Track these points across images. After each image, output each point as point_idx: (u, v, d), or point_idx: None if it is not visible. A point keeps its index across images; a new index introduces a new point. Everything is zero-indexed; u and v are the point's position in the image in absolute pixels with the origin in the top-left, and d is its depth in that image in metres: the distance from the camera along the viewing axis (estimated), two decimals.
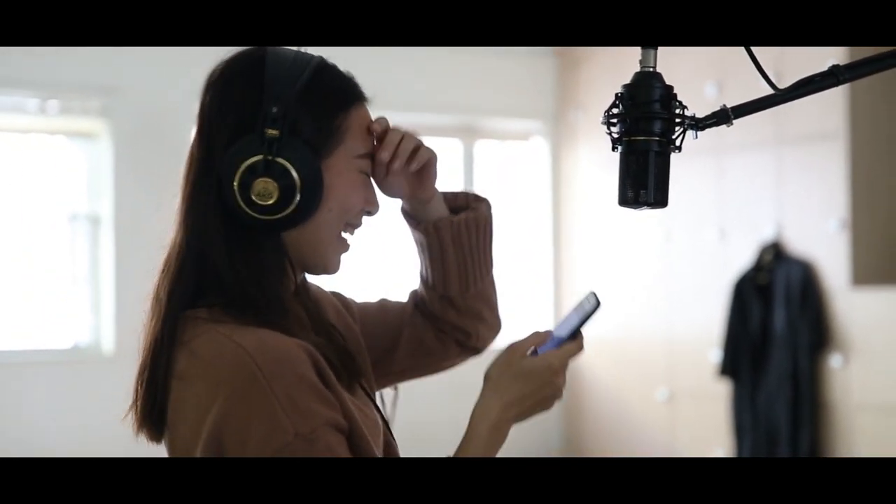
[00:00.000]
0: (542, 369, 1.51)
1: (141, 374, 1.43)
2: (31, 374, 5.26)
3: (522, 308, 6.76)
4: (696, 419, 5.68)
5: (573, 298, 6.47)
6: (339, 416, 1.36)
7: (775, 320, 5.13)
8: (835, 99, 4.87)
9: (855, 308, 4.91)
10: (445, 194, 1.68)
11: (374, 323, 1.68)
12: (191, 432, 1.35)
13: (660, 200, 1.46)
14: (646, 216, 5.74)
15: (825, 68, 1.48)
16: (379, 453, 1.44)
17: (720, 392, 5.42)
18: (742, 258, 5.33)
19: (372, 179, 1.54)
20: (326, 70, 1.50)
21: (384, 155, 1.53)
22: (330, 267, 1.50)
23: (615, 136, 1.47)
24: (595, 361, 6.35)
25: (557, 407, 6.29)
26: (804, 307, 5.01)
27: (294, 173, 1.41)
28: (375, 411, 1.51)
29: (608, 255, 6.26)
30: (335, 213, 1.46)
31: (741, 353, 5.28)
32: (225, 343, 1.35)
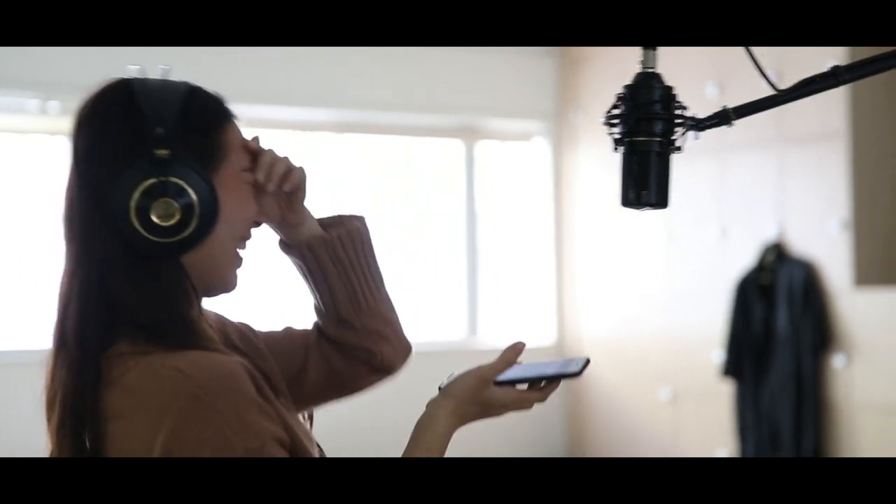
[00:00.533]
0: (499, 406, 1.54)
1: (61, 426, 1.38)
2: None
3: (524, 309, 6.76)
4: (699, 419, 5.68)
5: (576, 299, 6.47)
6: (281, 430, 1.37)
7: (778, 320, 5.13)
8: (836, 99, 4.86)
9: (857, 308, 4.90)
10: (320, 219, 1.68)
11: (280, 349, 1.65)
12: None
13: (661, 201, 1.46)
14: (648, 216, 5.74)
15: (826, 69, 1.48)
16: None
17: (723, 392, 5.41)
18: (744, 258, 5.33)
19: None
20: (198, 91, 1.49)
21: (259, 176, 1.52)
22: (229, 284, 1.50)
23: (616, 136, 1.47)
24: (598, 361, 6.34)
25: (561, 406, 6.30)
26: (807, 307, 5.01)
27: (190, 191, 1.39)
28: (300, 420, 1.52)
29: (610, 255, 6.26)
30: (229, 228, 1.46)
31: (744, 354, 5.27)
32: (160, 370, 1.33)
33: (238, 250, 1.50)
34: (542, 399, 1.56)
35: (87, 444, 1.37)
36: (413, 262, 6.41)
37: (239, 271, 1.51)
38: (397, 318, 1.71)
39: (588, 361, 1.54)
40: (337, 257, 1.63)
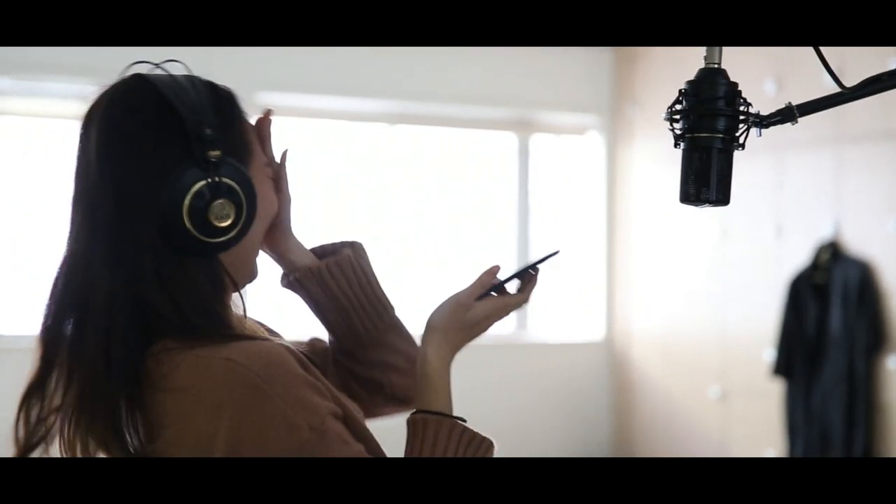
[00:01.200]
0: (483, 321, 1.52)
1: (106, 429, 1.35)
2: None
3: (574, 304, 6.74)
4: (748, 418, 5.64)
5: (627, 294, 6.45)
6: (333, 404, 1.36)
7: (831, 320, 5.08)
8: (894, 97, 4.80)
9: None
10: (316, 248, 1.63)
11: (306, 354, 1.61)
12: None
13: (722, 198, 1.45)
14: (702, 213, 5.71)
15: (888, 67, 1.46)
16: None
17: (774, 391, 5.37)
18: (799, 257, 5.28)
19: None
20: (216, 86, 1.45)
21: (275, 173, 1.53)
22: (255, 274, 1.50)
23: (678, 132, 1.46)
24: (647, 357, 6.33)
25: (608, 403, 6.29)
26: (861, 307, 4.96)
27: (239, 189, 1.39)
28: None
29: (663, 251, 6.23)
30: (262, 221, 1.46)
31: (796, 353, 5.23)
32: (211, 363, 1.32)
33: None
34: (525, 300, 1.55)
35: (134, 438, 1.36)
36: (465, 254, 6.41)
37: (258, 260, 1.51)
38: (409, 344, 1.65)
39: (557, 252, 1.55)
40: (328, 289, 1.59)
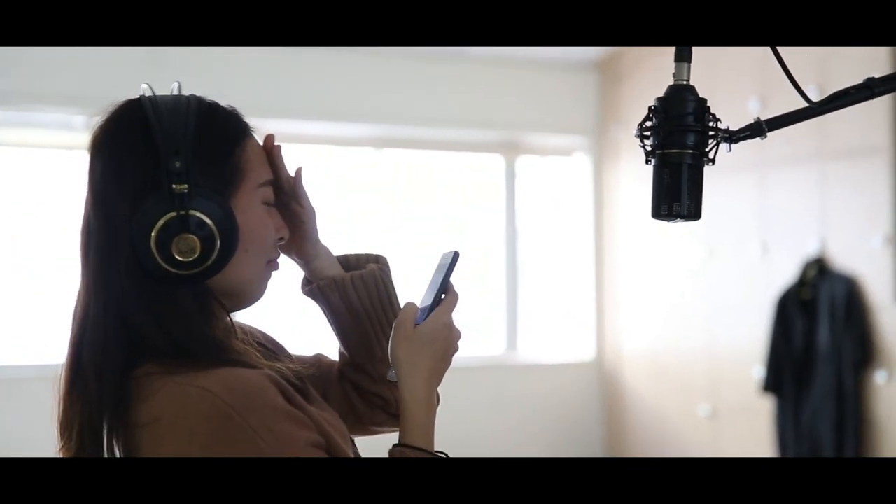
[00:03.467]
0: (439, 328, 1.52)
1: (82, 433, 1.38)
2: None
3: (564, 324, 6.75)
4: (738, 435, 5.64)
5: (616, 314, 6.46)
6: (315, 434, 1.37)
7: (819, 336, 5.09)
8: (879, 113, 4.83)
9: None
10: (340, 257, 1.65)
11: (307, 370, 1.60)
12: None
13: (693, 212, 1.46)
14: (688, 231, 5.72)
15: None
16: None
17: (763, 408, 5.38)
18: (785, 273, 5.30)
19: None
20: (212, 110, 1.46)
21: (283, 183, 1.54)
22: (257, 297, 1.50)
23: (648, 148, 1.47)
24: (637, 376, 6.33)
25: (599, 421, 6.28)
26: (848, 323, 4.97)
27: (210, 223, 1.39)
28: (338, 418, 1.51)
29: (650, 270, 6.24)
30: (252, 252, 1.45)
31: (784, 369, 5.24)
32: (188, 391, 1.32)
33: (267, 264, 1.49)
34: (456, 297, 1.57)
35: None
36: (454, 276, 6.41)
37: (269, 283, 1.51)
38: None
39: (449, 251, 1.57)
40: (349, 301, 1.60)
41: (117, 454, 1.39)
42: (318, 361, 1.67)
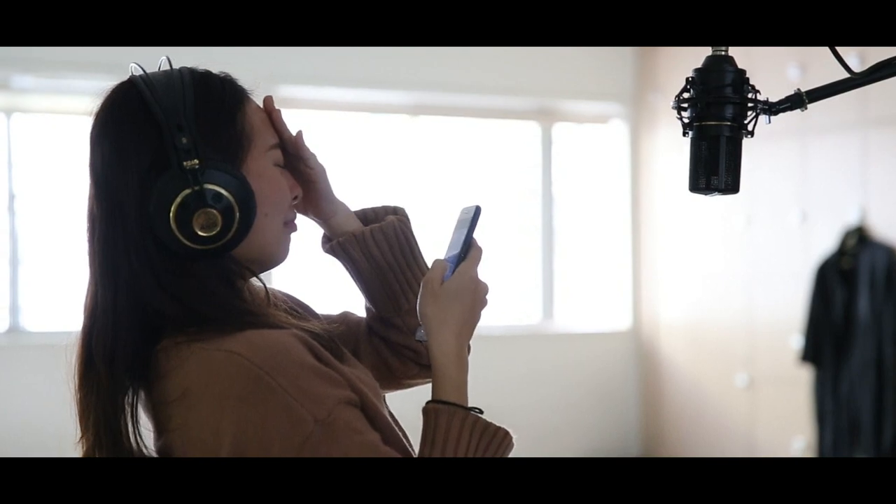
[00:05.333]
0: (466, 281, 1.48)
1: (97, 446, 1.37)
2: None
3: (600, 293, 6.72)
4: (776, 406, 5.60)
5: (653, 283, 6.42)
6: (347, 391, 1.35)
7: (859, 306, 5.04)
8: None
9: None
10: (358, 210, 1.63)
11: (336, 332, 1.57)
12: (205, 454, 1.33)
13: (731, 186, 1.44)
14: (726, 200, 5.66)
15: None
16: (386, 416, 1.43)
17: (801, 379, 5.34)
18: (825, 242, 5.24)
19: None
20: (205, 80, 1.44)
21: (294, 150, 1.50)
22: (280, 259, 1.48)
23: (686, 121, 1.44)
24: (674, 346, 6.30)
25: (635, 392, 6.27)
26: (889, 293, 4.91)
27: (226, 193, 1.37)
28: (370, 375, 1.49)
29: (688, 238, 6.19)
30: (272, 215, 1.44)
31: (823, 340, 5.19)
32: (215, 355, 1.32)
33: (286, 225, 1.48)
34: (481, 251, 1.52)
35: (134, 444, 1.38)
36: (489, 245, 6.39)
37: (290, 244, 1.49)
38: None
39: (469, 206, 1.54)
40: (370, 255, 1.58)
41: (134, 444, 1.38)
42: (346, 319, 1.65)
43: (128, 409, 1.38)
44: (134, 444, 1.38)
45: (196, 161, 1.36)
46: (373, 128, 6.20)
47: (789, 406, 5.47)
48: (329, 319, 1.62)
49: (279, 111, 1.50)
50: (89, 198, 1.42)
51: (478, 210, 1.53)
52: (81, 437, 1.40)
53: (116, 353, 1.36)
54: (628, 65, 6.49)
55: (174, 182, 1.36)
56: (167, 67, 1.45)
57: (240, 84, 1.47)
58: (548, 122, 6.59)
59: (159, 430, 1.37)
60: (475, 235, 1.52)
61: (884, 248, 4.96)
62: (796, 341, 5.35)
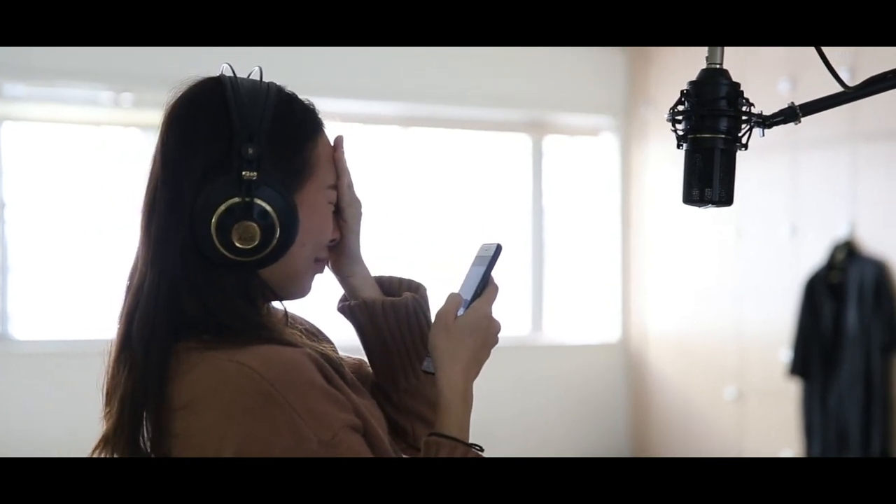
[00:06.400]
0: (480, 318, 1.50)
1: (119, 424, 1.38)
2: None
3: (590, 305, 6.73)
4: (765, 419, 5.61)
5: (642, 295, 6.43)
6: (353, 416, 1.36)
7: (847, 319, 5.06)
8: None
9: None
10: (379, 277, 1.62)
11: (350, 365, 1.59)
12: None
13: (725, 198, 1.44)
14: (717, 212, 5.68)
15: None
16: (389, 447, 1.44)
17: (790, 392, 5.35)
18: (814, 256, 5.26)
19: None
20: (289, 100, 1.47)
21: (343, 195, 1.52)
22: (304, 292, 1.49)
23: (680, 133, 1.45)
24: (662, 358, 6.31)
25: (624, 403, 6.29)
26: (877, 307, 4.93)
27: (272, 213, 1.39)
28: (377, 406, 1.50)
29: (677, 251, 6.21)
30: (308, 248, 1.45)
31: (812, 353, 5.20)
32: (228, 367, 1.32)
33: (317, 262, 1.49)
34: (497, 290, 1.54)
35: (147, 434, 1.38)
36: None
37: (314, 281, 1.50)
38: None
39: (488, 243, 1.56)
40: (378, 327, 1.58)
41: (146, 433, 1.39)
42: (361, 366, 1.64)
43: (151, 399, 1.37)
44: (154, 410, 1.38)
45: (255, 174, 1.38)
46: (364, 139, 6.20)
47: (778, 418, 5.48)
48: (346, 359, 1.61)
49: (343, 153, 1.52)
50: (151, 179, 1.43)
51: (499, 248, 1.55)
52: (106, 412, 1.41)
53: (153, 340, 1.37)
54: (619, 77, 6.51)
55: (228, 187, 1.38)
56: (257, 77, 1.46)
57: (319, 116, 1.50)
58: (539, 135, 6.60)
59: (159, 430, 1.38)
60: (493, 274, 1.53)
61: (872, 262, 4.98)
62: (785, 354, 5.36)
